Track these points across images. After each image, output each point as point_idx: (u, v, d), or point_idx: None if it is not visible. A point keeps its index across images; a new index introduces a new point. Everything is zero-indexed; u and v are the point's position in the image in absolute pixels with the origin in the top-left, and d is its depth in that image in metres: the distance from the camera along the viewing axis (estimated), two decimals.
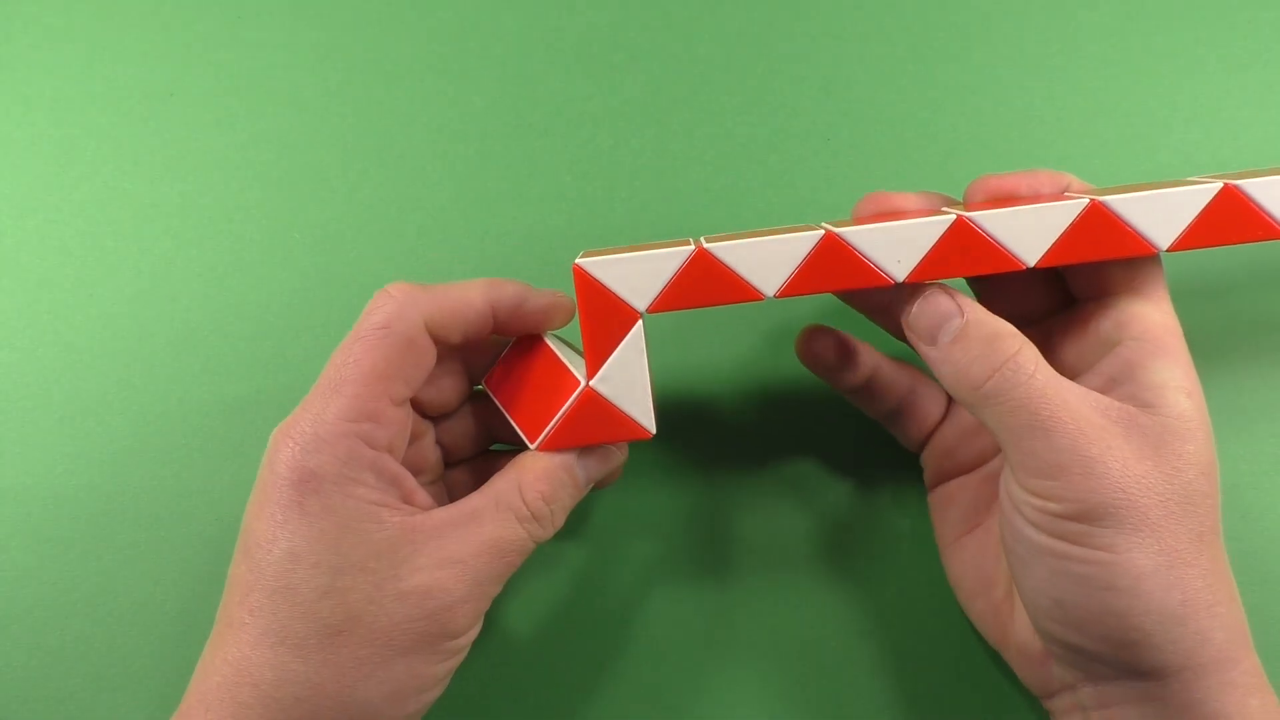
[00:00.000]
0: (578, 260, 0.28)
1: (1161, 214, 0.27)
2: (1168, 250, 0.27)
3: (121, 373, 0.36)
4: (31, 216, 0.37)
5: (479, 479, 0.32)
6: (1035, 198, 0.28)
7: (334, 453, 0.26)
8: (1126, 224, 0.27)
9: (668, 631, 0.34)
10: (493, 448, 0.33)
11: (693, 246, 0.27)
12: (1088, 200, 0.26)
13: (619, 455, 0.30)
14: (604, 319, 0.28)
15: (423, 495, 0.28)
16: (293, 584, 0.25)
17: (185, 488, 0.35)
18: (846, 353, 0.31)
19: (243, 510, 0.27)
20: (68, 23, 0.39)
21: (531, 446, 0.29)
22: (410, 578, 0.26)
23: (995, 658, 0.32)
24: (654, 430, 0.29)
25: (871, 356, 0.32)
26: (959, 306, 0.27)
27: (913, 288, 0.28)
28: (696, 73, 0.39)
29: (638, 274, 0.28)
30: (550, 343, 0.30)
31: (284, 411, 0.27)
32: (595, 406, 0.28)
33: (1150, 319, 0.27)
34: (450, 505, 0.27)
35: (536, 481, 0.28)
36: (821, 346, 0.32)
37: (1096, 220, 0.27)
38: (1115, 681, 0.27)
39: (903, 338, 0.29)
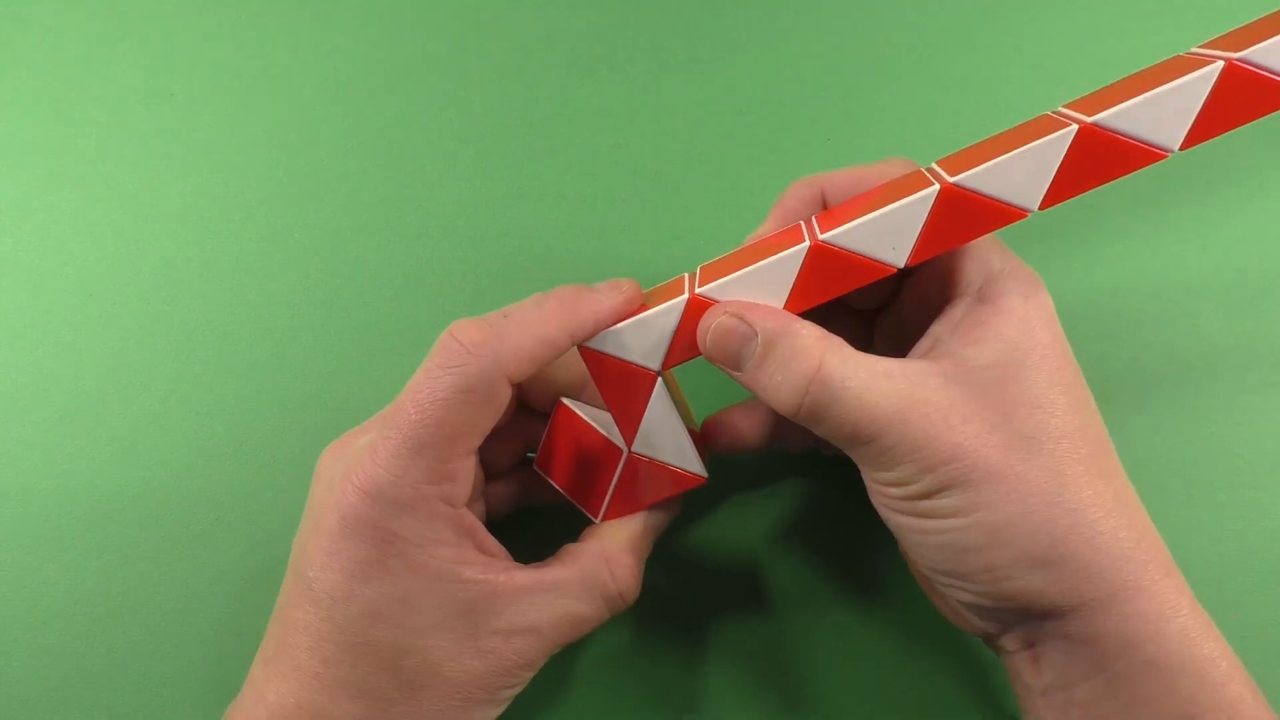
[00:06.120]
0: (581, 346, 0.28)
1: (1162, 116, 0.24)
2: (1180, 149, 0.25)
3: (121, 373, 0.36)
4: (31, 216, 0.37)
5: (514, 490, 0.33)
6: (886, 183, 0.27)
7: (416, 516, 0.26)
8: (1128, 138, 0.25)
9: (676, 649, 0.34)
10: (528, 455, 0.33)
11: (685, 296, 0.27)
12: (1075, 127, 0.25)
13: (677, 507, 0.31)
14: (624, 387, 0.28)
15: (493, 542, 0.28)
16: (373, 641, 0.25)
17: (185, 487, 0.35)
18: (735, 435, 0.31)
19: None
20: (68, 23, 0.39)
21: (595, 520, 0.30)
22: (488, 638, 0.26)
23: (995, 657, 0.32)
24: (706, 475, 0.29)
25: (755, 422, 0.31)
26: (750, 326, 0.26)
27: (700, 307, 0.27)
28: (696, 73, 0.39)
29: (640, 336, 0.28)
30: (576, 410, 0.30)
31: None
32: (643, 469, 0.29)
33: (982, 271, 0.27)
34: (532, 569, 0.27)
35: (625, 557, 0.28)
36: (724, 439, 0.31)
37: (1093, 145, 0.25)
38: (1025, 624, 0.26)
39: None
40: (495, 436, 0.31)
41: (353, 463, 0.26)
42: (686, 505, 0.32)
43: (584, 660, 0.34)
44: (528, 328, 0.26)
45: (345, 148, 0.38)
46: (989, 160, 0.25)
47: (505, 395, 0.26)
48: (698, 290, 0.27)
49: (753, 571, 0.35)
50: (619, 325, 0.27)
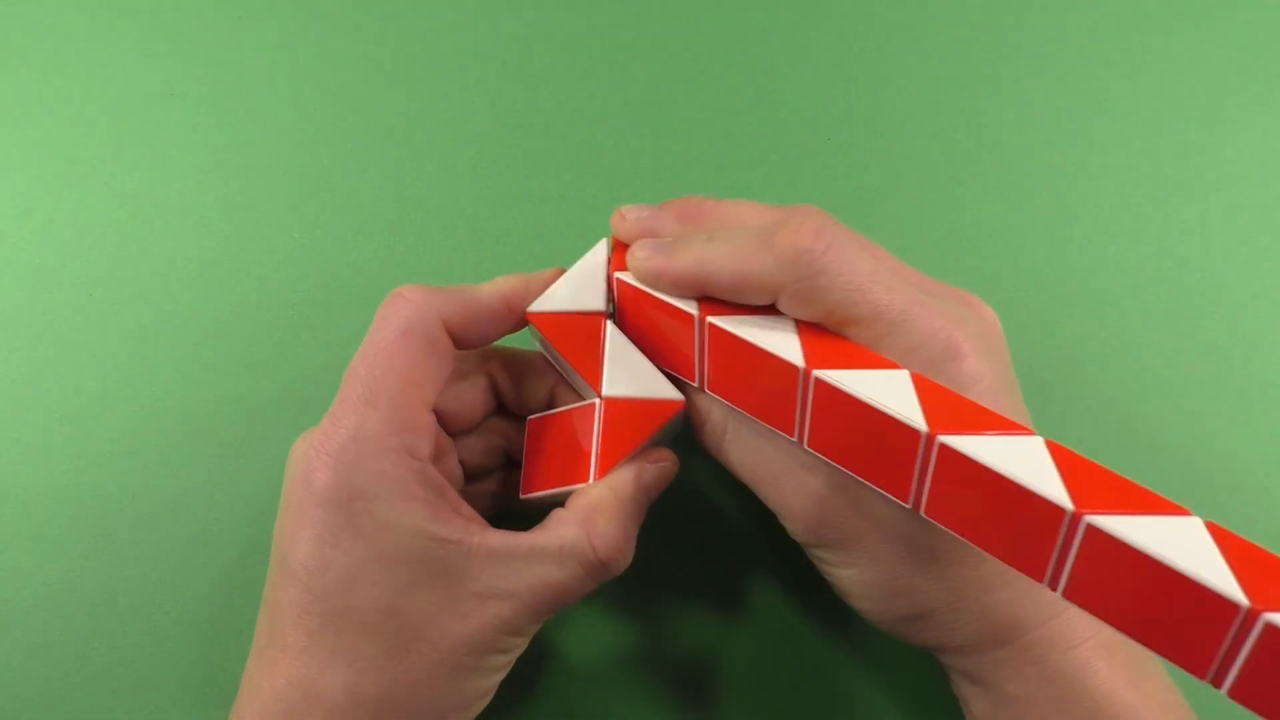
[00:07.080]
0: (526, 311, 0.29)
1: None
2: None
3: (121, 373, 0.36)
4: (31, 216, 0.37)
5: (494, 487, 0.32)
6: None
7: (380, 468, 0.25)
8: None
9: (675, 633, 0.34)
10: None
11: (604, 239, 0.30)
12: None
13: (674, 468, 0.30)
14: (578, 339, 0.29)
15: (467, 506, 0.28)
16: (354, 605, 0.25)
17: (185, 487, 0.35)
18: None
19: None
20: (68, 23, 0.39)
21: (591, 482, 0.29)
22: (466, 601, 0.26)
23: None
24: (682, 398, 0.29)
25: None
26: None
27: (622, 249, 0.30)
28: (696, 72, 0.39)
29: (576, 286, 0.29)
30: (544, 414, 0.31)
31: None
32: (621, 409, 0.29)
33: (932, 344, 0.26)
34: (510, 535, 0.27)
35: (608, 524, 0.27)
36: None
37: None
38: (925, 650, 0.29)
39: None
40: (471, 434, 0.31)
41: (315, 435, 0.26)
42: (687, 495, 0.32)
43: (581, 653, 0.34)
44: (463, 289, 0.29)
45: (345, 148, 0.38)
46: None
47: (447, 344, 0.28)
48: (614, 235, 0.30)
49: (755, 556, 0.35)
50: (554, 284, 0.29)
